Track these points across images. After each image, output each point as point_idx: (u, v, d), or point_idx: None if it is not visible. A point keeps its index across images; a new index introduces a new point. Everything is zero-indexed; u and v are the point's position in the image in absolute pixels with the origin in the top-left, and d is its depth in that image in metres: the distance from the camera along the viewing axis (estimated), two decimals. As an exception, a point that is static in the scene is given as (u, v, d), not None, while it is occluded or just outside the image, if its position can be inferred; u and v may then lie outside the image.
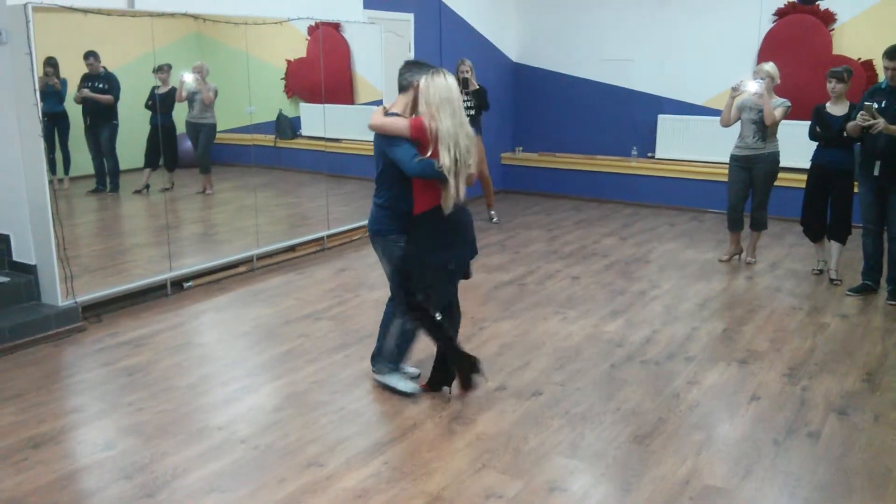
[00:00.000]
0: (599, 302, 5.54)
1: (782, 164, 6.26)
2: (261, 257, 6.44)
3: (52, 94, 5.14)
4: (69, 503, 3.07)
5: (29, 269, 5.03)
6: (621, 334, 4.90)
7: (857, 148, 5.60)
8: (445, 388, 3.99)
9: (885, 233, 5.55)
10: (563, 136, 9.57)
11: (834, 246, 5.99)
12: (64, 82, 5.33)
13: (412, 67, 3.81)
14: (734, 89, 6.10)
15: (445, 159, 3.54)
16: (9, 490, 3.15)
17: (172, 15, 5.51)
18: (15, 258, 5.10)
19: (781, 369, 4.38)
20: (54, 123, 5.27)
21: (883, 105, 5.28)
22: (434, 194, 3.65)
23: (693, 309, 5.41)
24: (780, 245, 7.14)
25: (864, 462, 3.38)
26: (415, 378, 4.15)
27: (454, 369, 3.91)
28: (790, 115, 6.12)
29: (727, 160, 6.45)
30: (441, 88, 3.56)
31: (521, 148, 9.92)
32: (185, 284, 5.82)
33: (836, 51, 7.76)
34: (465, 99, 7.49)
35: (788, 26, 7.98)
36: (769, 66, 6.07)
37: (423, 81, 3.60)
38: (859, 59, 7.58)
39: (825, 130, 5.77)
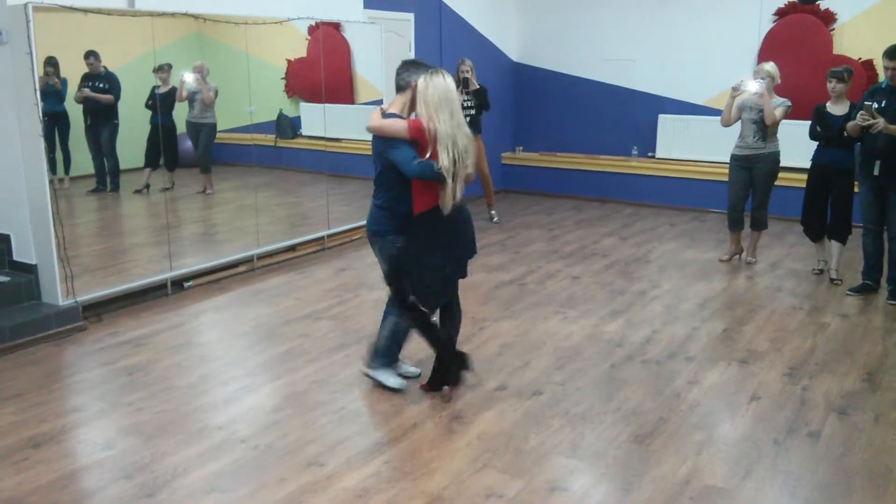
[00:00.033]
0: (600, 302, 5.54)
1: (782, 163, 6.26)
2: (261, 257, 6.44)
3: (52, 93, 5.14)
4: (69, 503, 3.07)
5: (29, 269, 5.03)
6: (622, 334, 4.90)
7: (858, 148, 5.60)
8: (446, 388, 3.99)
9: (885, 232, 5.55)
10: (563, 136, 9.58)
11: (834, 245, 5.99)
12: (64, 82, 5.33)
13: (410, 67, 3.80)
14: (735, 89, 6.10)
15: (444, 160, 3.54)
16: (9, 489, 3.15)
17: (173, 15, 5.51)
18: (15, 258, 5.10)
19: (782, 369, 4.38)
20: (55, 123, 5.27)
21: (883, 105, 5.27)
22: (433, 195, 3.65)
23: (693, 309, 5.41)
24: (781, 245, 7.14)
25: (864, 462, 3.38)
26: (415, 378, 4.15)
27: (451, 367, 3.92)
28: (790, 114, 6.12)
29: (728, 160, 6.45)
30: (440, 89, 3.55)
31: (521, 147, 9.92)
32: (186, 284, 5.82)
33: (837, 50, 7.76)
34: (466, 99, 7.49)
35: (789, 26, 7.97)
36: (769, 66, 6.07)
37: (422, 81, 3.59)
38: (859, 58, 7.58)
39: (825, 130, 5.77)
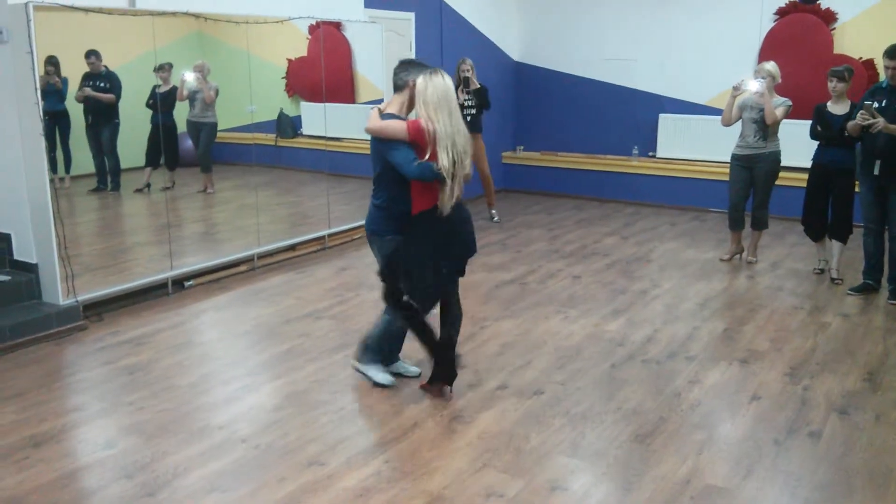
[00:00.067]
0: (600, 301, 5.54)
1: (783, 163, 6.26)
2: (261, 256, 6.44)
3: (53, 92, 5.14)
4: (70, 502, 3.08)
5: (30, 268, 5.03)
6: (622, 333, 4.90)
7: (859, 147, 5.59)
8: (446, 388, 3.99)
9: (885, 232, 5.55)
10: (564, 136, 9.57)
11: (835, 245, 5.99)
12: (65, 81, 5.33)
13: (408, 67, 3.79)
14: (735, 88, 6.10)
15: (444, 161, 3.54)
16: (10, 488, 3.15)
17: (174, 14, 5.51)
18: (16, 257, 5.11)
19: (782, 369, 4.37)
20: (55, 122, 5.27)
21: (883, 104, 5.27)
22: (432, 195, 3.65)
23: (694, 308, 5.41)
24: (782, 244, 7.14)
25: (865, 462, 3.38)
26: (415, 377, 4.15)
27: (452, 367, 3.93)
28: (791, 114, 6.12)
29: (728, 159, 6.45)
30: (439, 89, 3.55)
31: (522, 147, 9.91)
32: (186, 283, 5.82)
33: (837, 50, 7.75)
34: (467, 98, 7.49)
35: (789, 25, 7.97)
36: (770, 66, 6.06)
37: (421, 81, 3.58)
38: (860, 58, 7.57)
39: (826, 130, 5.77)
